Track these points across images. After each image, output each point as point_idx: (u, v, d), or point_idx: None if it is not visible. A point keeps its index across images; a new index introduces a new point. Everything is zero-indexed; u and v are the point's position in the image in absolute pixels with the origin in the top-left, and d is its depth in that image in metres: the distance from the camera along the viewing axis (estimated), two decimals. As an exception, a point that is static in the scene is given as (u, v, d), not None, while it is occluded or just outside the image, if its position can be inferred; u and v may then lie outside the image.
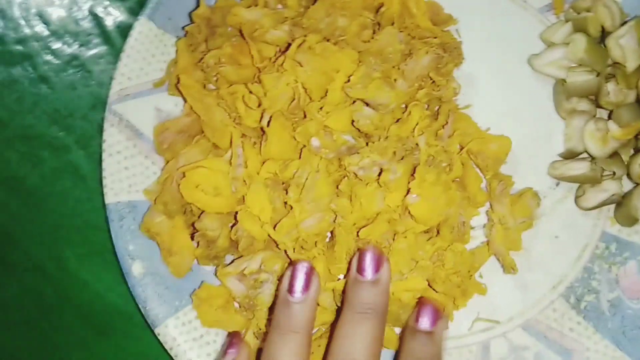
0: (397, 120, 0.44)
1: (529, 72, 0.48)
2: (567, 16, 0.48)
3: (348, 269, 0.41)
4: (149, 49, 0.46)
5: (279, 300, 0.40)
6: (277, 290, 0.41)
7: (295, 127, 0.41)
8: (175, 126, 0.45)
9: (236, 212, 0.42)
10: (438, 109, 0.45)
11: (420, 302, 0.41)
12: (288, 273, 0.40)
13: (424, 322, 0.40)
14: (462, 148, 0.45)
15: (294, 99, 0.41)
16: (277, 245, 0.43)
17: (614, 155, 0.45)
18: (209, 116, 0.44)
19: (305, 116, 0.41)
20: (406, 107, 0.44)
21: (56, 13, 0.50)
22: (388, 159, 0.41)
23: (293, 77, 0.40)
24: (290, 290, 0.39)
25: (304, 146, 0.42)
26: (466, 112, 0.47)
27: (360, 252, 0.40)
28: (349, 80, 0.41)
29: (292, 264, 0.40)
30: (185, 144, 0.45)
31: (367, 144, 0.43)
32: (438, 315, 0.40)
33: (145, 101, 0.46)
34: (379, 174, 0.41)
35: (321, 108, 0.41)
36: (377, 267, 0.40)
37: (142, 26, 0.46)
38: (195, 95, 0.44)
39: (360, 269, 0.40)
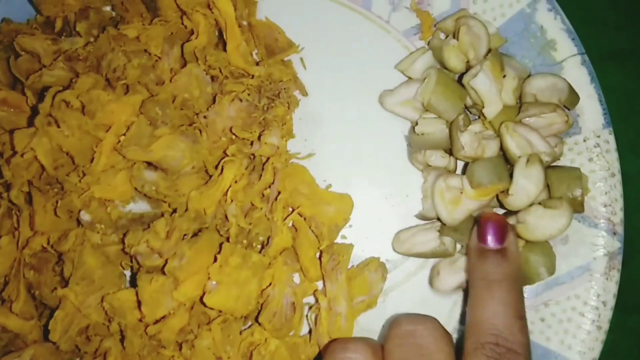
0: (207, 182, 0.35)
1: (385, 111, 0.39)
2: (432, 42, 0.39)
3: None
4: None
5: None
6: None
7: (57, 198, 0.33)
8: None
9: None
10: (264, 164, 0.37)
11: (482, 219, 0.34)
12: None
13: (491, 240, 0.34)
14: (293, 210, 0.37)
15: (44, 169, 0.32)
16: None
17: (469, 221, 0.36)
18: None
19: (62, 188, 0.32)
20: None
21: None
22: (172, 244, 0.32)
23: (46, 139, 0.31)
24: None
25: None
26: (307, 162, 0.38)
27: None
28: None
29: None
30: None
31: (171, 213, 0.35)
32: (505, 229, 0.34)
33: None
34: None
35: (83, 175, 0.32)
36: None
37: None
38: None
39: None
